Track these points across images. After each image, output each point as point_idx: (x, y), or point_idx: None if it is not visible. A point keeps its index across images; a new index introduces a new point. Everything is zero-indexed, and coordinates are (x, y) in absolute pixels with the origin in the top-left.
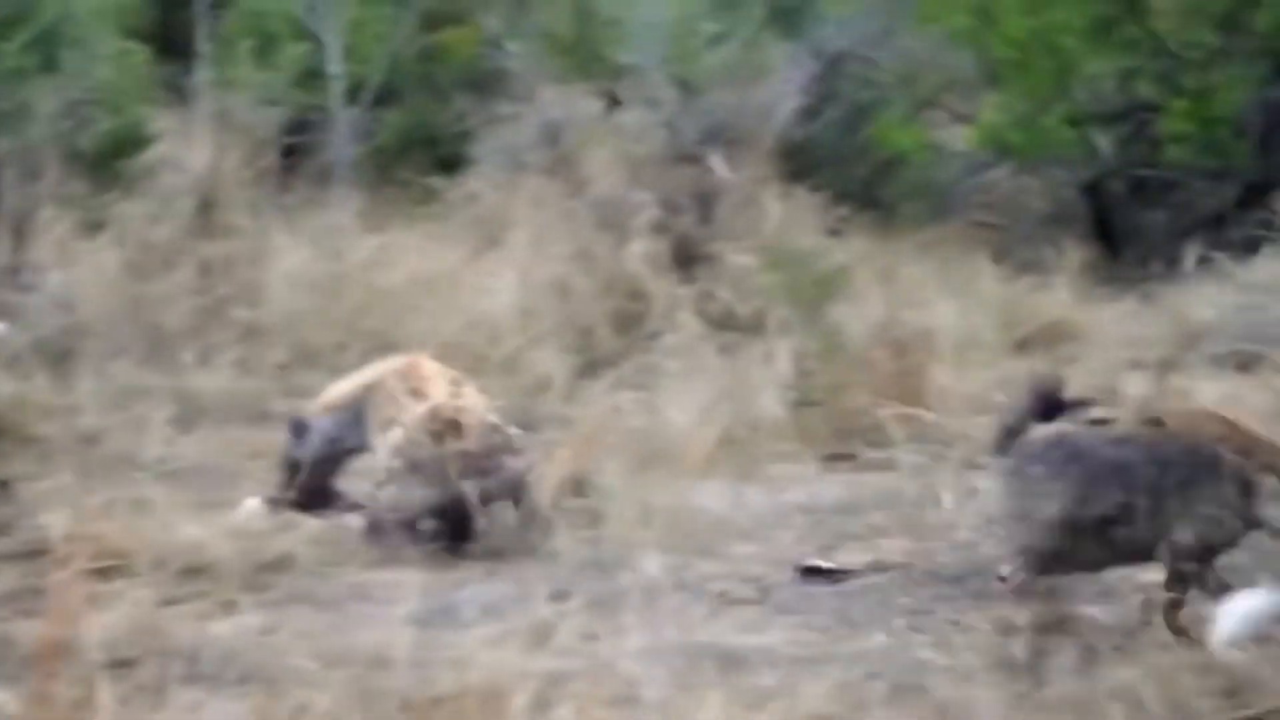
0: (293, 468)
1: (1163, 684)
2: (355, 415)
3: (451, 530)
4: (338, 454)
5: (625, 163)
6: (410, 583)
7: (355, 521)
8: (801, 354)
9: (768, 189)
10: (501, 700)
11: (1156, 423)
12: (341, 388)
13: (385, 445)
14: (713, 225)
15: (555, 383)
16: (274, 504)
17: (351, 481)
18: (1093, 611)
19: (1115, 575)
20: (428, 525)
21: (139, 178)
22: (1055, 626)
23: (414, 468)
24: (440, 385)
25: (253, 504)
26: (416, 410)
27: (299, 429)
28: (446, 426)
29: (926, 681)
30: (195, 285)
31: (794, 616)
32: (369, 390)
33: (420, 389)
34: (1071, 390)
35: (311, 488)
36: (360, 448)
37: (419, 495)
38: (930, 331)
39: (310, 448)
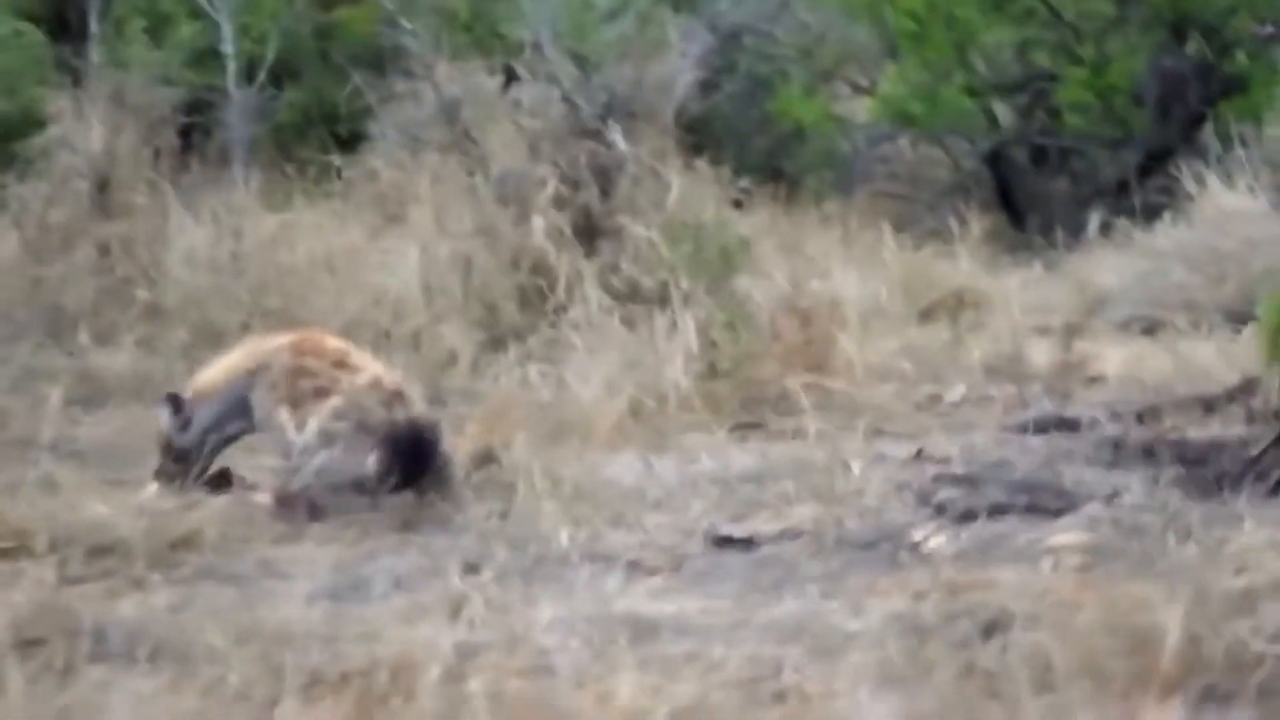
0: (177, 455)
1: (1072, 646)
2: (238, 399)
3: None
4: (220, 441)
5: (525, 138)
6: (320, 557)
7: (262, 496)
8: (707, 325)
9: (668, 162)
10: (414, 673)
11: None
12: (216, 372)
13: (317, 415)
14: (614, 199)
15: (461, 358)
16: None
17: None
18: (1003, 575)
19: (1024, 538)
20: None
21: (35, 159)
22: None
23: (364, 430)
24: (368, 358)
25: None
26: (354, 380)
27: (181, 420)
28: (392, 396)
29: (840, 647)
30: (95, 266)
31: (706, 585)
32: (257, 372)
33: (345, 361)
34: None
35: (201, 474)
36: (244, 432)
37: (369, 458)
38: (836, 301)
39: (190, 438)
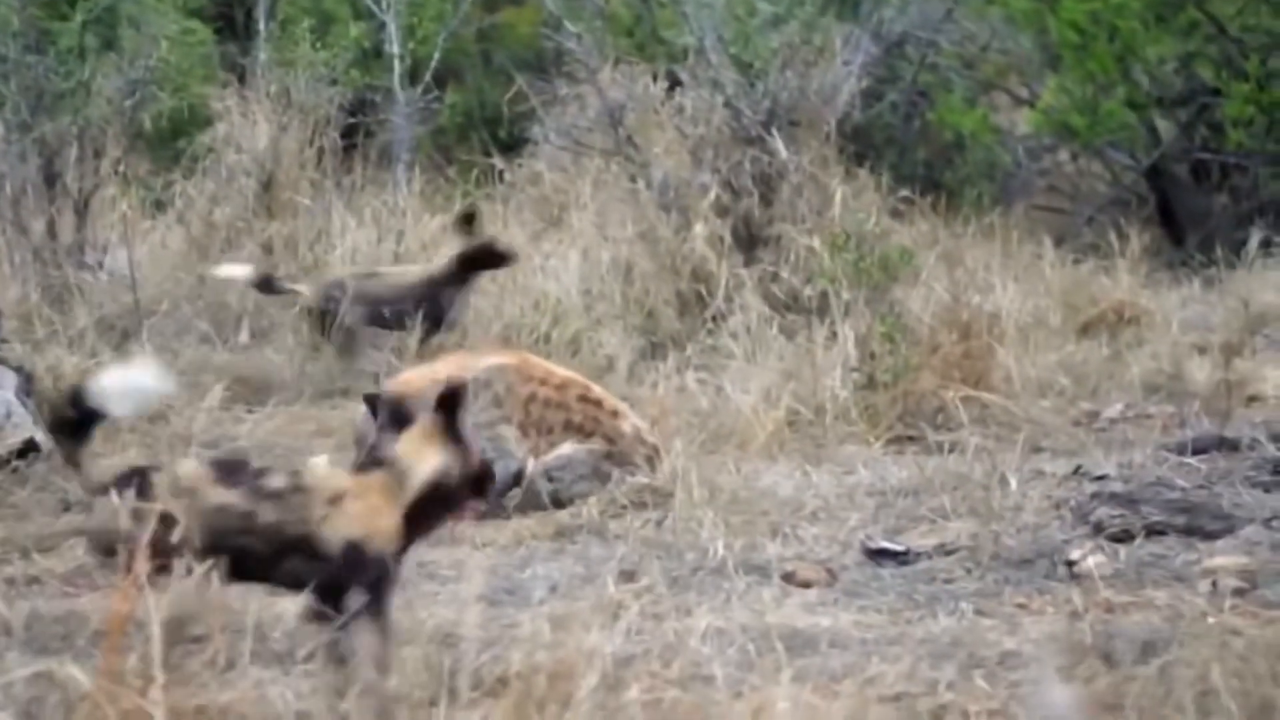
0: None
1: (1233, 668)
2: None
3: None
4: None
5: (687, 144)
6: (477, 562)
7: None
8: (866, 336)
9: (830, 171)
10: (571, 680)
11: None
12: (423, 383)
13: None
14: (775, 207)
15: (619, 364)
16: None
17: None
18: (1160, 596)
19: (1181, 560)
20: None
21: (201, 157)
22: None
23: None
24: (610, 397)
25: (319, 460)
26: (618, 427)
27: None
28: (653, 451)
29: (996, 664)
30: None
31: (862, 598)
32: (474, 385)
33: (593, 398)
34: None
35: None
36: None
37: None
38: (995, 315)
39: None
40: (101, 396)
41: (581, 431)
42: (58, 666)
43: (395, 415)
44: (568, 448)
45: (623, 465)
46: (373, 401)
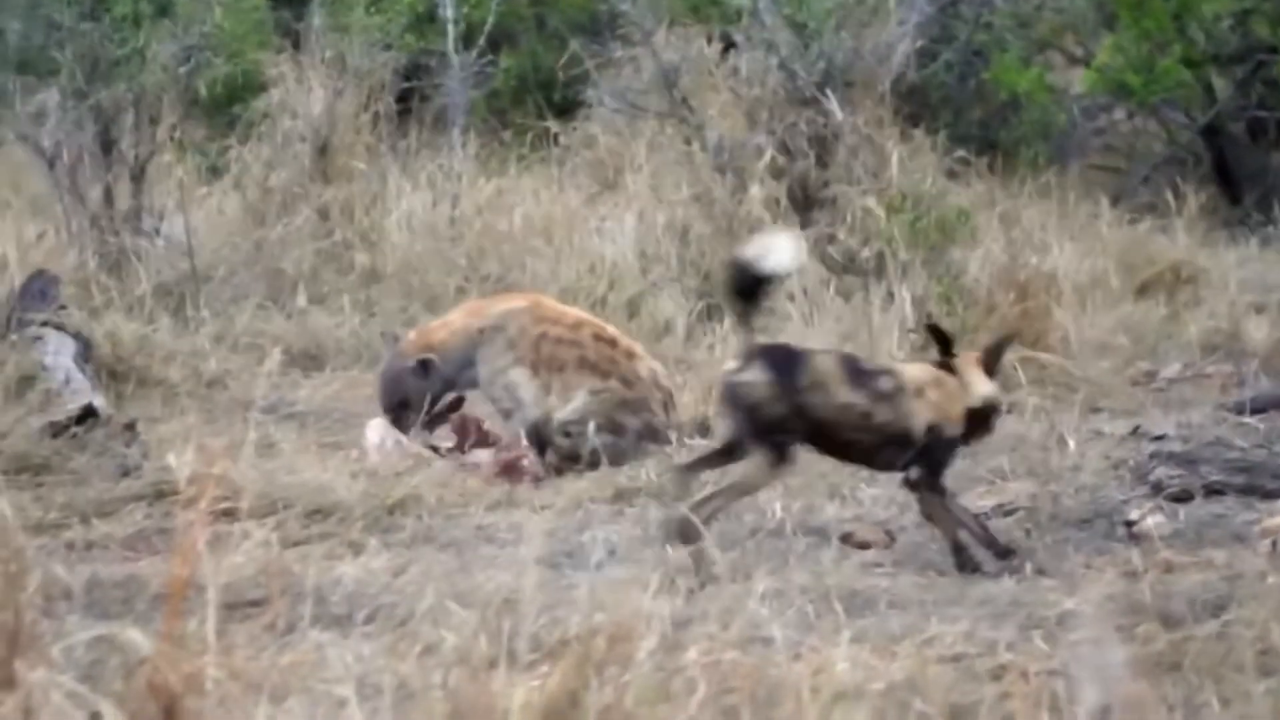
0: (417, 404)
1: None
2: (467, 356)
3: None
4: (444, 393)
5: (742, 106)
6: (535, 524)
7: (486, 463)
8: (923, 298)
9: (885, 132)
10: (630, 642)
11: None
12: (442, 332)
13: (593, 394)
14: (831, 168)
15: (676, 326)
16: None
17: None
18: (1219, 555)
19: (1240, 519)
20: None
21: (256, 123)
22: None
23: (649, 434)
24: (623, 336)
25: (376, 424)
26: (635, 369)
27: (424, 368)
28: (669, 397)
29: (1056, 625)
30: (314, 229)
31: (920, 559)
32: (486, 331)
33: (608, 337)
34: None
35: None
36: (467, 386)
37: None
38: (1052, 275)
39: (430, 386)
40: (757, 262)
41: (597, 370)
42: (118, 630)
43: (423, 367)
44: (580, 398)
45: (638, 413)
46: (425, 364)
